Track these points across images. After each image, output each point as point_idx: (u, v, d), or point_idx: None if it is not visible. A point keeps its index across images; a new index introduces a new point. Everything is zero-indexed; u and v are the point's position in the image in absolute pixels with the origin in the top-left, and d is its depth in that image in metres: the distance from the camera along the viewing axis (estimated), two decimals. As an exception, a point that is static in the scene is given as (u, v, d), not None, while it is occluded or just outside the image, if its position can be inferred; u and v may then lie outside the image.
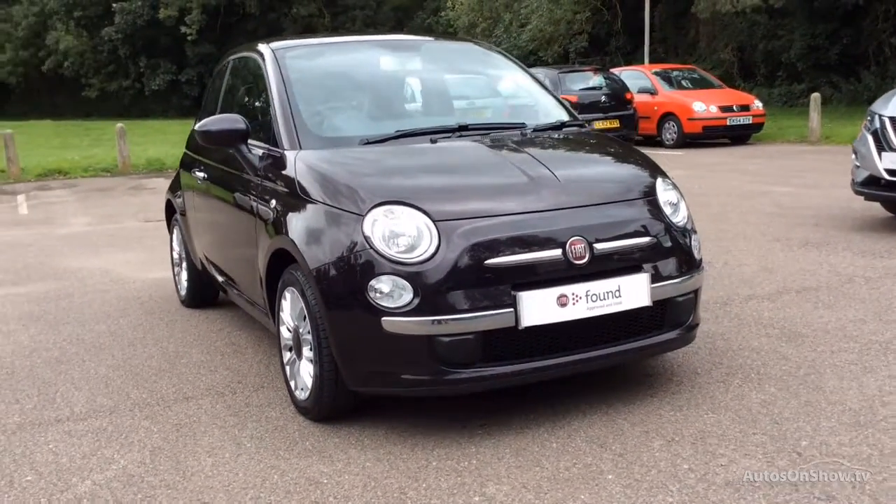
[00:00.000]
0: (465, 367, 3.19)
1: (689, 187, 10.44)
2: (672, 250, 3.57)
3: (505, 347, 3.23)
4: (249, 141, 4.05)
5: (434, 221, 3.21)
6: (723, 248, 6.78)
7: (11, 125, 23.45)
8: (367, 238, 3.19)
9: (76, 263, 7.55)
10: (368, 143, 3.78)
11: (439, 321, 3.13)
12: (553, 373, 3.36)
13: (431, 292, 3.13)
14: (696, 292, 3.67)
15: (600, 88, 15.31)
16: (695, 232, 3.78)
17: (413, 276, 3.14)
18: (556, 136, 4.14)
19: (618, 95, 15.37)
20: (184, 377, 4.26)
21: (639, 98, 16.00)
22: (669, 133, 16.05)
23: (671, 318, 3.58)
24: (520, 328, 3.18)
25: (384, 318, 3.14)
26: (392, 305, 3.13)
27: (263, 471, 3.14)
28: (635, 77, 16.85)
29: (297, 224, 3.49)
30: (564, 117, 4.39)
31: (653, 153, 15.07)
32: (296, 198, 3.57)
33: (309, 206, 3.48)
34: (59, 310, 5.83)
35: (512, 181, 3.48)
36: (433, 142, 3.80)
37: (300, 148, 3.74)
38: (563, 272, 3.26)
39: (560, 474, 3.00)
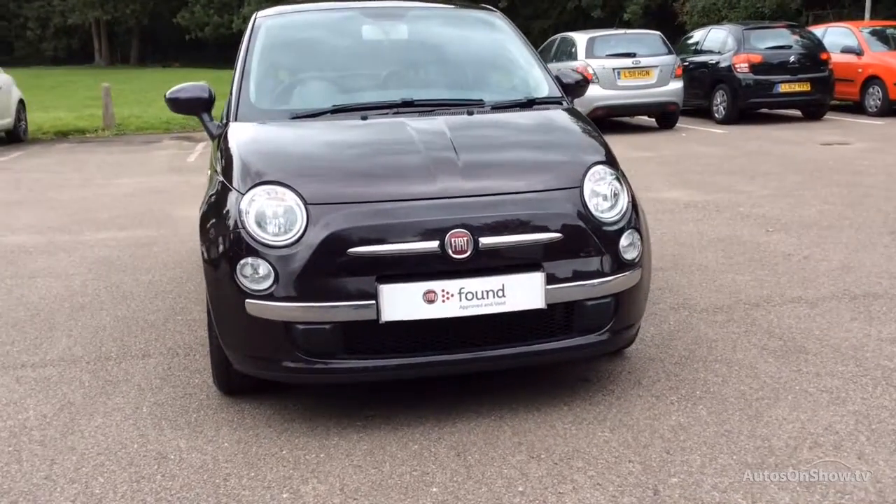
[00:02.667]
0: (325, 357, 3.09)
1: (859, 163, 9.41)
2: (586, 248, 3.24)
3: (367, 341, 3.10)
4: None
5: (306, 204, 3.11)
6: (818, 238, 6.06)
7: (205, 74, 25.13)
8: (242, 218, 3.15)
9: (186, 212, 8.05)
10: (297, 117, 3.70)
11: (295, 308, 3.04)
12: (422, 372, 3.19)
13: (290, 277, 3.05)
14: (619, 296, 3.31)
15: (790, 47, 14.01)
16: (635, 228, 3.39)
17: (276, 259, 3.06)
18: (506, 115, 3.84)
19: (811, 55, 13.99)
20: (163, 334, 4.44)
21: (840, 58, 14.47)
22: (873, 99, 14.43)
23: (580, 322, 3.26)
24: (381, 322, 3.02)
25: (247, 301, 3.10)
26: (255, 288, 3.08)
27: (129, 438, 3.23)
28: (840, 34, 15.23)
29: (205, 198, 3.51)
30: (543, 94, 4.07)
31: (847, 121, 13.73)
32: (214, 171, 3.59)
33: (216, 180, 3.48)
34: (132, 257, 6.25)
35: (409, 165, 3.29)
36: (364, 118, 3.66)
37: (236, 120, 3.74)
38: (437, 266, 3.05)
39: (389, 481, 2.85)
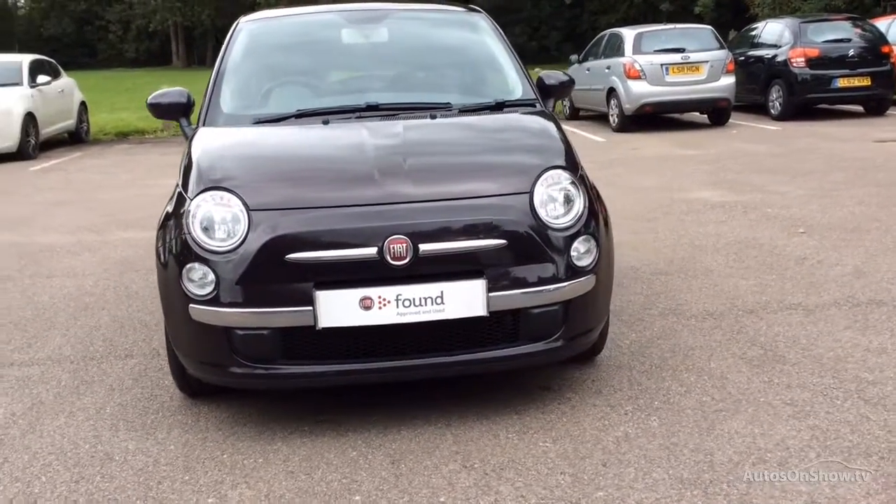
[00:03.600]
0: (265, 363, 3.11)
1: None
2: (533, 255, 3.18)
3: (305, 347, 3.10)
4: None
5: (248, 210, 3.13)
6: (840, 242, 5.84)
7: None
8: (189, 223, 3.19)
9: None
10: (260, 122, 3.73)
11: (235, 313, 3.07)
12: (361, 379, 3.18)
13: (230, 283, 3.08)
14: (570, 303, 3.23)
15: (850, 41, 13.49)
16: (591, 235, 3.31)
17: (218, 265, 3.09)
18: (471, 118, 3.79)
19: (872, 48, 13.45)
20: (151, 335, 4.53)
21: (905, 52, 13.88)
22: (940, 95, 13.80)
23: (527, 330, 3.20)
24: (318, 328, 3.03)
25: (191, 306, 3.14)
26: (199, 293, 3.12)
27: (83, 439, 3.30)
28: (909, 27, 14.61)
29: (167, 204, 3.56)
30: (515, 96, 4.01)
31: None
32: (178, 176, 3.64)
33: (175, 185, 3.53)
34: (150, 258, 6.38)
35: (354, 170, 3.28)
36: (325, 123, 3.66)
37: (204, 124, 3.80)
38: (375, 273, 3.04)
39: (316, 488, 2.86)
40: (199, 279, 3.11)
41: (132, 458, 3.13)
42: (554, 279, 3.20)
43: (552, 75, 4.38)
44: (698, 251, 5.79)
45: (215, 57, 4.24)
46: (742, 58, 14.35)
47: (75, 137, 14.94)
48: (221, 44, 4.35)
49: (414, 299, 3.03)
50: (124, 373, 3.98)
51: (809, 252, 5.61)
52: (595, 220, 3.38)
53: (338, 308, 3.01)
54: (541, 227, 3.21)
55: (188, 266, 3.13)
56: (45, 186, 10.41)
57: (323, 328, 3.03)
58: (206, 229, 3.14)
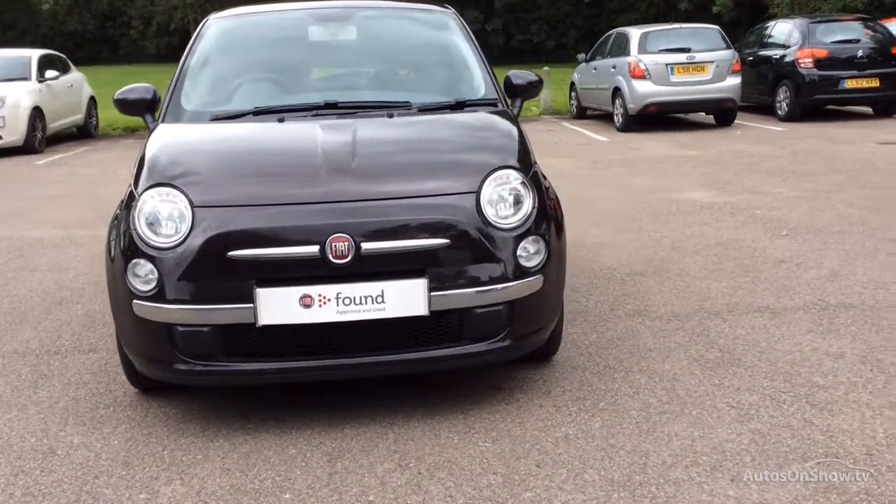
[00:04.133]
0: (206, 360, 3.13)
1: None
2: (477, 255, 3.18)
3: (246, 344, 3.12)
4: None
5: (193, 207, 3.14)
6: (822, 244, 5.79)
7: None
8: (135, 219, 3.21)
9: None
10: (217, 119, 3.75)
11: (175, 310, 3.09)
12: (302, 376, 3.20)
13: (172, 279, 3.09)
14: (515, 303, 3.23)
15: (859, 41, 13.35)
16: (540, 235, 3.30)
17: (160, 261, 3.11)
18: (428, 117, 3.79)
19: (882, 49, 13.30)
20: (120, 330, 4.56)
21: (918, 54, 13.70)
22: (951, 97, 13.62)
23: (472, 330, 3.20)
24: (258, 326, 3.04)
25: (134, 301, 3.16)
26: (142, 289, 3.14)
27: (31, 433, 3.33)
28: (921, 27, 14.42)
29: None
30: (477, 95, 4.01)
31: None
32: (134, 172, 3.66)
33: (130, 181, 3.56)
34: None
35: (303, 169, 3.29)
36: (281, 121, 3.68)
37: (163, 121, 3.82)
38: (317, 271, 3.05)
39: (249, 485, 2.87)
40: (142, 275, 3.13)
41: (75, 452, 3.16)
42: (498, 279, 3.19)
43: (520, 75, 4.36)
44: (678, 252, 5.76)
45: None
46: (751, 58, 14.25)
47: (84, 132, 15.06)
48: None
49: (354, 298, 3.03)
50: (85, 367, 4.01)
51: (789, 254, 5.57)
52: (545, 220, 3.38)
53: (278, 306, 3.03)
54: (487, 227, 3.20)
55: (133, 262, 3.15)
56: (46, 180, 10.51)
57: (263, 326, 3.04)
58: (151, 225, 3.16)
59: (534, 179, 3.46)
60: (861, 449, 2.93)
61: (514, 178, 3.35)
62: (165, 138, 3.61)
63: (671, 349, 3.94)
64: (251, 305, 3.02)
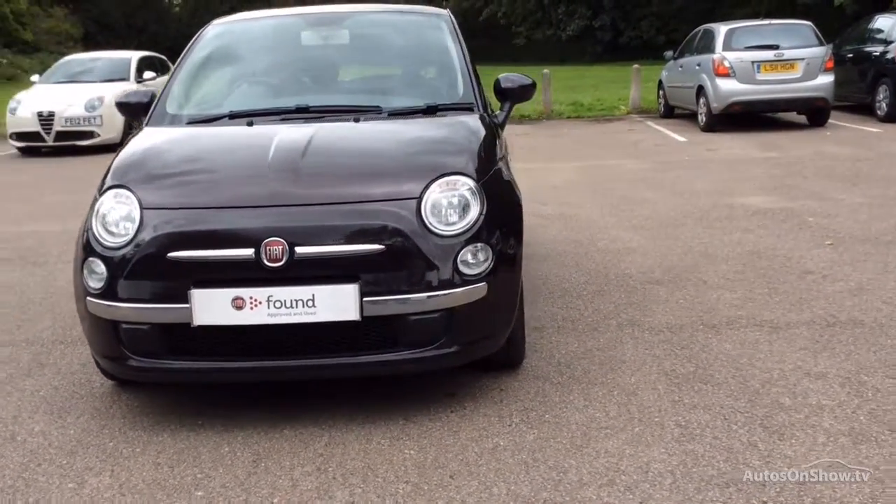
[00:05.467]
0: (149, 357, 3.23)
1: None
2: (413, 262, 3.16)
3: (185, 343, 3.20)
4: None
5: (142, 209, 3.26)
6: (863, 255, 5.48)
7: None
8: (92, 219, 3.35)
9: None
10: (193, 122, 3.86)
11: (119, 307, 3.20)
12: (238, 377, 3.26)
13: (118, 278, 3.21)
14: (455, 311, 3.19)
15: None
16: (485, 243, 3.25)
17: (109, 260, 3.23)
18: (394, 123, 3.79)
19: None
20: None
21: None
22: None
23: (407, 336, 3.19)
24: (193, 326, 3.12)
25: (87, 299, 3.30)
26: (94, 287, 3.27)
27: (0, 419, 3.52)
28: None
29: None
30: (453, 100, 3.98)
31: None
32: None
33: None
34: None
35: (251, 172, 3.35)
36: (249, 124, 3.75)
37: (147, 124, 3.96)
38: (250, 273, 3.10)
39: (168, 480, 2.95)
40: (95, 273, 3.26)
41: (32, 439, 3.32)
42: (435, 287, 3.17)
43: (511, 78, 4.31)
44: (705, 260, 5.56)
45: None
46: (851, 54, 13.55)
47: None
48: None
49: (285, 301, 3.07)
50: (78, 358, 4.19)
51: (822, 265, 5.29)
52: (495, 228, 3.33)
53: (211, 307, 3.10)
54: (425, 233, 3.18)
55: (88, 260, 3.29)
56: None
57: (198, 326, 3.11)
58: (105, 225, 3.29)
59: (489, 185, 3.42)
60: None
61: (462, 184, 3.32)
62: (138, 142, 3.75)
63: (645, 362, 3.81)
64: (188, 305, 3.10)
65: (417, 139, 3.66)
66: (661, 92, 15.23)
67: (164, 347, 3.21)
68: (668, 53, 14.97)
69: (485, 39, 48.63)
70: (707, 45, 13.04)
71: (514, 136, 13.48)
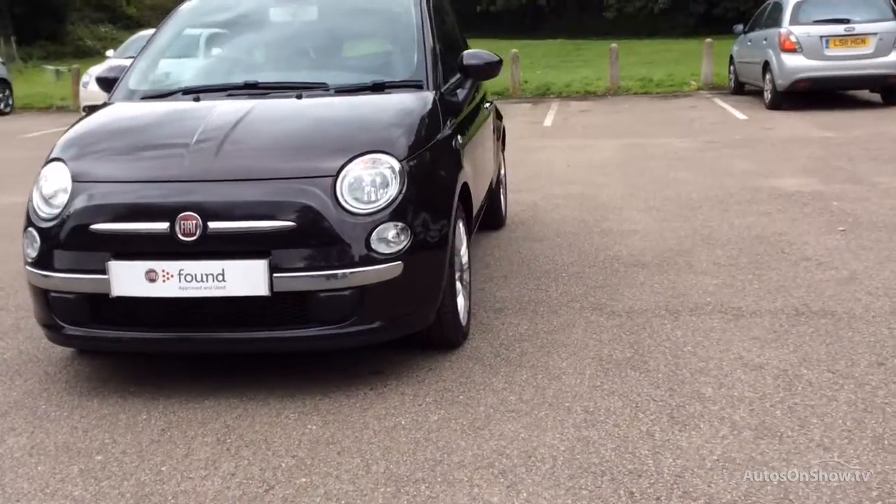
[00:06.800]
0: (77, 325, 3.36)
1: None
2: (324, 239, 3.19)
3: (107, 313, 3.31)
4: None
5: (72, 182, 3.38)
6: (872, 243, 5.24)
7: (529, 44, 25.69)
8: (32, 191, 3.50)
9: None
10: (146, 98, 3.97)
11: (46, 276, 3.34)
12: (154, 347, 3.36)
13: (47, 248, 3.35)
14: (366, 289, 3.21)
15: None
16: (403, 222, 3.26)
17: (41, 231, 3.37)
18: (335, 98, 3.81)
19: None
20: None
21: None
22: None
23: (318, 313, 3.22)
24: (111, 296, 3.23)
25: (25, 268, 3.45)
26: (30, 256, 3.42)
27: (-34, 377, 3.72)
28: None
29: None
30: (403, 77, 3.97)
31: None
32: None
33: None
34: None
35: (175, 147, 3.43)
36: (196, 100, 3.83)
37: (109, 100, 4.09)
38: (164, 247, 3.19)
39: (78, 444, 3.06)
40: (31, 244, 3.40)
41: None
42: (346, 264, 3.19)
43: (476, 55, 4.27)
44: (703, 244, 5.40)
45: None
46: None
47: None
48: None
49: (196, 275, 3.15)
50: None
51: (821, 252, 5.07)
52: (418, 207, 3.33)
53: (126, 278, 3.20)
54: (339, 211, 3.20)
55: (27, 230, 3.44)
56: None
57: (116, 297, 3.22)
58: (42, 197, 3.43)
59: (417, 165, 3.41)
60: (675, 468, 2.69)
61: (383, 162, 3.32)
62: (89, 118, 3.88)
63: (586, 346, 3.75)
64: (107, 277, 3.21)
65: (349, 116, 3.66)
66: (731, 67, 14.73)
67: (88, 317, 3.33)
68: (739, 27, 14.43)
69: (575, 12, 47.88)
70: (775, 19, 12.52)
71: (571, 113, 13.31)
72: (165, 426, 3.18)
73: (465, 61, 4.21)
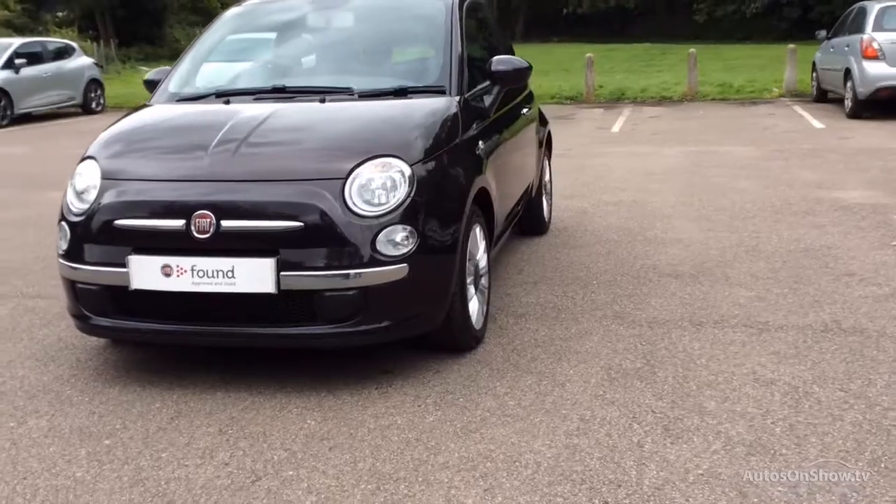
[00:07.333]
0: (101, 315, 3.53)
1: None
2: (332, 240, 3.27)
3: (128, 305, 3.46)
4: None
5: (101, 179, 3.55)
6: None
7: (614, 48, 25.49)
8: (67, 187, 3.69)
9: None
10: (181, 100, 4.13)
11: (74, 268, 3.52)
12: (170, 338, 3.50)
13: (76, 242, 3.53)
14: (369, 290, 3.28)
15: None
16: (409, 225, 3.32)
17: (73, 224, 3.56)
18: (359, 103, 3.90)
19: None
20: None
21: None
22: None
23: (324, 312, 3.31)
24: (130, 289, 3.38)
25: (58, 260, 3.64)
26: (61, 248, 3.61)
27: (-5, 362, 3.94)
28: None
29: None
30: (426, 83, 4.02)
31: None
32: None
33: None
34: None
35: (196, 147, 3.56)
36: (226, 103, 3.96)
37: (150, 101, 4.27)
38: (180, 243, 3.32)
39: (92, 428, 3.21)
40: (63, 237, 3.59)
41: (10, 382, 3.68)
42: (352, 265, 3.27)
43: (504, 61, 4.30)
44: (747, 255, 5.29)
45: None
46: None
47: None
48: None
49: (208, 271, 3.27)
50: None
51: (868, 268, 4.91)
52: (427, 211, 3.38)
53: (144, 272, 3.34)
54: (346, 213, 3.28)
55: (60, 224, 3.63)
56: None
57: (134, 289, 3.37)
58: (75, 193, 3.61)
59: (428, 169, 3.46)
60: (657, 481, 2.67)
61: (394, 166, 3.38)
62: (127, 118, 4.06)
63: (598, 355, 3.74)
64: (126, 270, 3.36)
65: (366, 120, 3.74)
66: (814, 74, 14.30)
67: (111, 308, 3.49)
68: (822, 33, 14.00)
69: (664, 16, 47.11)
70: (858, 25, 12.12)
71: (641, 119, 13.12)
72: (175, 415, 3.30)
73: (494, 67, 4.25)
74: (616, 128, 12.28)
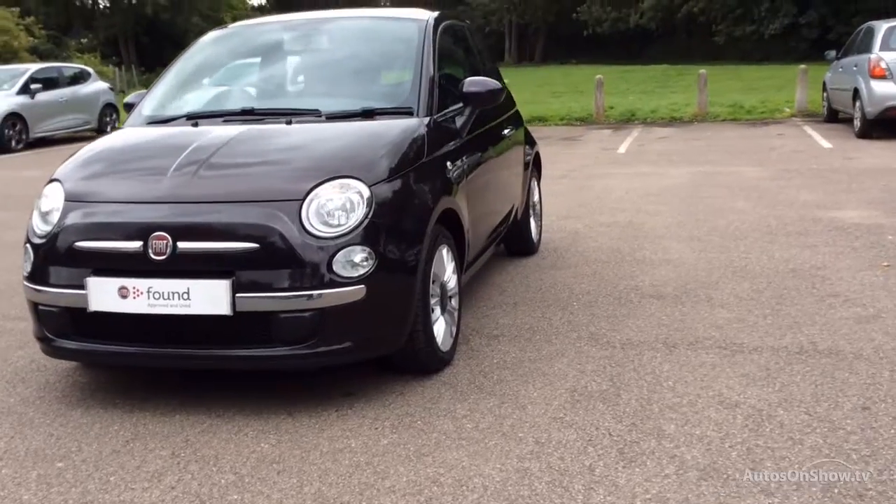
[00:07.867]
0: (63, 337, 3.53)
1: None
2: (287, 261, 3.26)
3: (87, 327, 3.46)
4: None
5: (65, 200, 3.56)
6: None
7: (631, 69, 25.42)
8: (33, 210, 3.71)
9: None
10: (152, 123, 4.15)
11: (37, 290, 3.53)
12: (125, 361, 3.50)
13: (39, 264, 3.54)
14: (326, 311, 3.26)
15: None
16: (369, 246, 3.30)
17: (35, 246, 3.57)
18: (323, 125, 3.89)
19: None
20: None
21: None
22: None
23: (280, 333, 3.29)
24: (89, 311, 3.38)
25: (23, 282, 3.65)
26: (25, 270, 3.63)
27: (-33, 384, 3.96)
28: None
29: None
30: (394, 104, 4.01)
31: None
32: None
33: None
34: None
35: (156, 170, 3.57)
36: (195, 125, 3.98)
37: (124, 124, 4.30)
38: (136, 265, 3.32)
39: (48, 450, 3.21)
40: (27, 259, 3.60)
41: (-26, 404, 3.70)
42: (308, 287, 3.25)
43: (477, 82, 4.29)
44: (733, 277, 5.22)
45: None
46: None
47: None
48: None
49: (163, 293, 3.26)
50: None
51: (854, 289, 4.83)
52: (386, 232, 3.37)
53: (102, 294, 3.34)
54: (302, 234, 3.27)
55: (25, 246, 3.65)
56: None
57: (93, 311, 3.37)
58: (40, 215, 3.63)
59: (388, 191, 3.45)
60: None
61: (352, 187, 3.37)
62: (99, 140, 4.09)
63: (566, 376, 3.69)
64: (85, 292, 3.37)
65: (328, 142, 3.73)
66: (824, 94, 14.19)
67: (72, 330, 3.49)
68: (831, 53, 13.91)
69: (683, 37, 47.06)
70: (866, 45, 12.03)
71: (649, 140, 13.06)
72: (131, 437, 3.29)
73: (466, 88, 4.24)
74: (622, 148, 12.23)
